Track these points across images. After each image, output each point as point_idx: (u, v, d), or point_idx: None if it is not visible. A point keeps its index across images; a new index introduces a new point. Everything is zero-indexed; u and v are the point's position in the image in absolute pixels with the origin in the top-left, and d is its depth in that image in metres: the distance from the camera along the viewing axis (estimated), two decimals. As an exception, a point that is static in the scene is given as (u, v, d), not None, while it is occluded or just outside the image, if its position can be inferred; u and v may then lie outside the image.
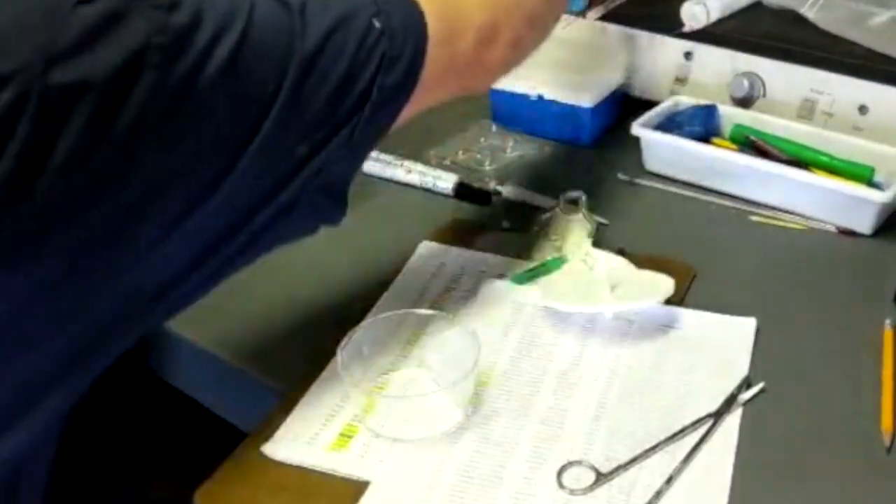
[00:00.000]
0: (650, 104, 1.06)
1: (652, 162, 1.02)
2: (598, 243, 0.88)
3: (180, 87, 0.50)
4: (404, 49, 0.63)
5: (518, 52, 0.78)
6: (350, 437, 0.69)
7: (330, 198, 0.65)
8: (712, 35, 1.08)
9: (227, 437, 0.71)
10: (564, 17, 0.98)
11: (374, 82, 0.61)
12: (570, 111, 1.07)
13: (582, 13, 1.14)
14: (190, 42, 0.51)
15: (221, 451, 0.68)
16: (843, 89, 1.00)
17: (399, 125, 0.67)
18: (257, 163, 0.56)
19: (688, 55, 1.10)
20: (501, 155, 1.05)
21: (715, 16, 1.09)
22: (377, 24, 0.61)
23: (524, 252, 0.88)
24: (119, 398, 0.90)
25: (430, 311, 0.78)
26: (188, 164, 0.53)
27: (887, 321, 0.79)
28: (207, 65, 0.51)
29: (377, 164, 1.01)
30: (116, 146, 0.49)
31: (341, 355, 0.70)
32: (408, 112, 0.66)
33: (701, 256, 0.88)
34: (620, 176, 1.02)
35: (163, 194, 0.52)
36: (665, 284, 0.79)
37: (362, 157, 0.66)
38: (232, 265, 0.62)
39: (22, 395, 0.54)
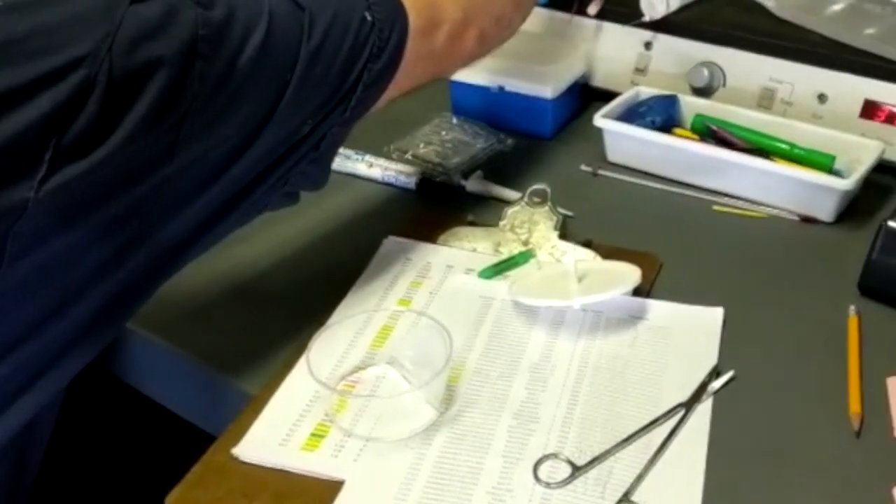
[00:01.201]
0: (611, 95, 1.06)
1: (614, 153, 1.02)
2: (564, 235, 0.88)
3: (222, 74, 0.57)
4: (390, 39, 0.71)
5: (484, 47, 0.87)
6: (322, 436, 0.68)
7: (319, 166, 0.73)
8: (671, 24, 1.08)
9: (196, 442, 0.70)
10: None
11: (365, 68, 0.70)
12: (532, 103, 1.07)
13: (546, 5, 1.14)
14: (228, 35, 0.58)
15: (191, 456, 0.67)
16: (802, 78, 1.01)
17: (380, 105, 0.75)
18: (266, 144, 0.64)
19: (647, 45, 1.10)
20: (463, 148, 1.05)
21: (674, 5, 1.09)
22: (368, 18, 0.69)
23: (490, 246, 0.87)
24: (85, 406, 0.89)
25: (399, 308, 0.77)
26: (220, 143, 0.60)
27: (851, 307, 0.80)
28: (242, 55, 0.59)
29: (338, 160, 1.00)
30: (171, 125, 0.55)
31: (309, 355, 0.69)
32: (389, 94, 0.75)
33: (666, 247, 0.88)
34: (583, 167, 1.02)
35: (195, 169, 0.59)
36: (632, 274, 0.80)
37: (349, 129, 0.74)
38: (230, 228, 0.68)
39: (50, 351, 0.58)
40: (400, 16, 0.73)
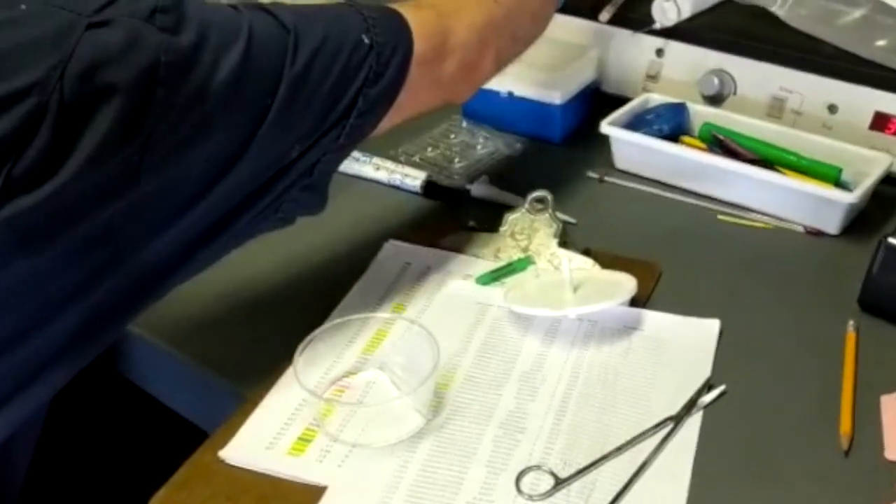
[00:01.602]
0: (623, 101, 1.06)
1: (621, 160, 1.01)
2: (565, 242, 0.88)
3: (188, 100, 0.56)
4: (389, 64, 0.69)
5: (500, 66, 0.84)
6: (308, 441, 0.68)
7: (314, 192, 0.71)
8: (683, 32, 1.07)
9: (196, 441, 0.71)
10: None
11: (360, 93, 0.67)
12: (541, 108, 1.06)
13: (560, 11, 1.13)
14: (195, 61, 0.56)
15: (188, 454, 0.68)
16: (813, 88, 1.00)
17: (381, 131, 0.73)
18: (248, 169, 0.62)
19: (659, 52, 1.09)
20: (471, 152, 1.05)
21: (686, 13, 1.08)
22: (366, 41, 0.67)
23: (490, 252, 0.88)
24: (89, 402, 0.90)
25: (390, 315, 0.78)
26: (193, 168, 0.58)
27: (850, 323, 0.79)
28: (212, 80, 0.57)
29: (345, 161, 1.00)
30: (132, 151, 0.54)
31: (298, 360, 0.70)
32: (391, 120, 0.72)
33: (668, 255, 0.88)
34: (590, 174, 1.01)
35: (169, 193, 0.58)
36: (628, 284, 0.79)
37: (345, 156, 0.72)
38: (217, 254, 0.67)
39: (28, 367, 0.58)
40: (403, 40, 0.70)
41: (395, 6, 0.73)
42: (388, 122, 0.72)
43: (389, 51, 0.69)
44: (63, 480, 0.92)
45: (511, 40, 0.83)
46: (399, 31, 0.70)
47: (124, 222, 0.56)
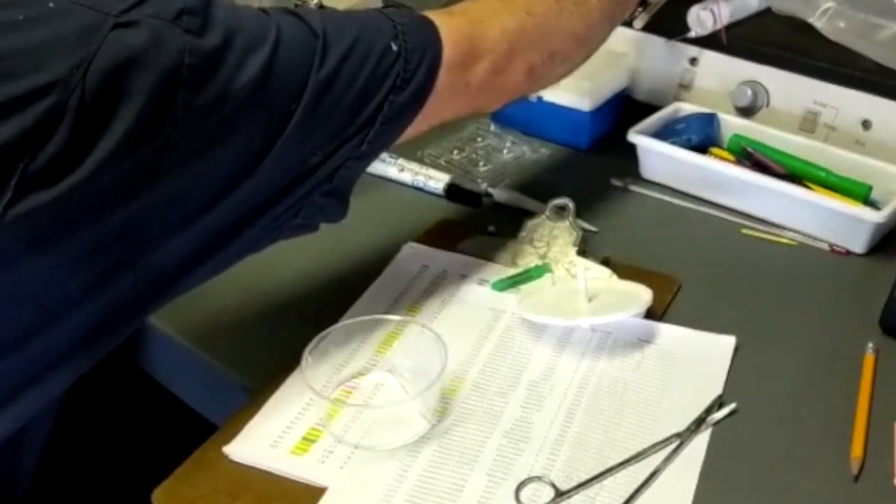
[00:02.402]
0: (654, 109, 1.05)
1: (647, 169, 1.00)
2: (583, 251, 0.87)
3: (210, 102, 0.55)
4: (417, 71, 0.68)
5: (533, 81, 0.81)
6: (313, 441, 0.68)
7: (335, 199, 0.70)
8: (718, 41, 1.06)
9: (207, 434, 0.71)
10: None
11: (386, 100, 0.66)
12: (570, 114, 1.06)
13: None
14: (219, 63, 0.56)
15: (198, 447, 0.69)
16: (847, 103, 0.98)
17: (407, 138, 0.72)
18: (269, 172, 0.61)
19: (693, 61, 1.08)
20: (496, 156, 1.04)
21: (723, 22, 1.07)
22: (394, 48, 0.66)
23: (508, 258, 0.87)
24: (105, 390, 0.91)
25: (402, 318, 0.78)
26: (212, 171, 0.58)
27: (870, 345, 0.77)
28: (234, 83, 0.57)
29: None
30: (151, 152, 0.54)
31: (307, 359, 0.70)
32: (417, 128, 0.71)
33: (688, 268, 0.87)
34: (614, 182, 1.01)
35: (185, 196, 0.58)
36: (644, 296, 0.79)
37: (368, 164, 0.70)
38: (235, 257, 0.67)
39: (36, 366, 0.58)
40: (432, 46, 0.69)
41: (426, 12, 0.72)
42: (413, 130, 0.71)
43: (418, 57, 0.68)
44: (74, 467, 0.93)
45: (548, 57, 0.80)
46: (429, 38, 0.70)
47: (139, 224, 0.56)
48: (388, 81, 0.66)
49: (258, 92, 0.58)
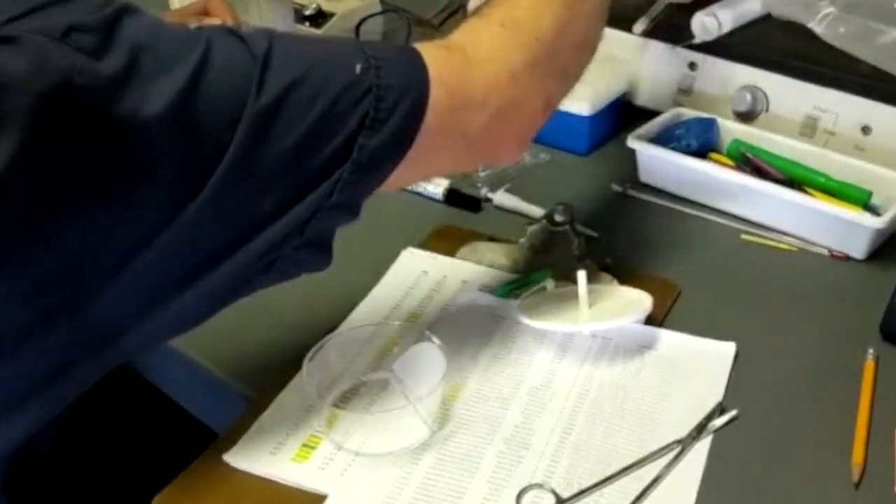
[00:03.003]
0: (654, 114, 1.05)
1: (646, 174, 1.00)
2: (583, 257, 0.87)
3: (118, 130, 0.49)
4: (394, 111, 0.59)
5: (550, 109, 0.74)
6: (313, 448, 0.68)
7: (313, 251, 0.63)
8: (718, 46, 1.06)
9: (208, 441, 0.71)
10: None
11: (353, 141, 0.58)
12: (569, 119, 1.05)
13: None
14: (123, 86, 0.49)
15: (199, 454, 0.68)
16: (847, 108, 0.98)
17: (393, 188, 0.65)
18: (206, 217, 0.54)
19: (692, 66, 1.08)
20: (496, 161, 1.04)
21: (726, 28, 1.06)
22: (364, 83, 0.58)
23: (509, 263, 0.87)
24: (108, 398, 0.91)
25: (402, 324, 0.77)
26: (131, 209, 0.51)
27: (870, 351, 0.77)
28: (147, 108, 0.50)
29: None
30: (29, 193, 0.48)
31: (307, 366, 0.70)
32: (404, 178, 0.64)
33: (688, 273, 0.87)
34: (614, 187, 1.01)
35: (117, 232, 0.52)
36: (645, 303, 0.79)
37: (348, 214, 0.62)
38: (192, 313, 0.60)
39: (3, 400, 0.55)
40: (416, 83, 0.60)
41: (419, 45, 0.64)
42: (400, 180, 0.63)
43: (395, 96, 0.59)
44: (76, 475, 0.93)
45: (561, 79, 0.73)
46: (412, 74, 0.61)
47: (72, 267, 0.51)
48: (352, 121, 0.57)
49: (177, 118, 0.51)
